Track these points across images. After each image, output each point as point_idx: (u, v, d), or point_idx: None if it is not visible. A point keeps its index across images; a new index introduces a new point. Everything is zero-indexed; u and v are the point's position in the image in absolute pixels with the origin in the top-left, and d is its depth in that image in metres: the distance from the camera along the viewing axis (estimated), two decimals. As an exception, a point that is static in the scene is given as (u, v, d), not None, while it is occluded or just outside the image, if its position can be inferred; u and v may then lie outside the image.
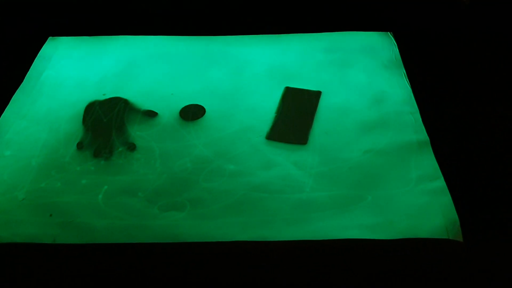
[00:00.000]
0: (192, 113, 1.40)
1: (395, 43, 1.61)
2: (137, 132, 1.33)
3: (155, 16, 1.78)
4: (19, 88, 1.48)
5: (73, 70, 1.56)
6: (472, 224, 1.06)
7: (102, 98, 1.44)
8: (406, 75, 1.49)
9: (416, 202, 1.12)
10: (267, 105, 1.42)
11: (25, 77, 1.52)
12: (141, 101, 1.43)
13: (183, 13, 1.79)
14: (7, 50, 1.66)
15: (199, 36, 1.67)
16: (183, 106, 1.42)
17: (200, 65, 1.57)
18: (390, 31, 1.66)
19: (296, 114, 1.38)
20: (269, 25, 1.71)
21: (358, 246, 1.04)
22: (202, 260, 1.04)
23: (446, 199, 1.12)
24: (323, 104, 1.41)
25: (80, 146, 1.29)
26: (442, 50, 1.59)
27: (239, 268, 1.03)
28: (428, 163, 1.21)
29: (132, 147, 1.29)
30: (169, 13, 1.79)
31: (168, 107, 1.41)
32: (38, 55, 1.61)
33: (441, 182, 1.16)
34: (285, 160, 1.24)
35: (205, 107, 1.42)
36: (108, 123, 1.36)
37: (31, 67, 1.56)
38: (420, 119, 1.34)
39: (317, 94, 1.44)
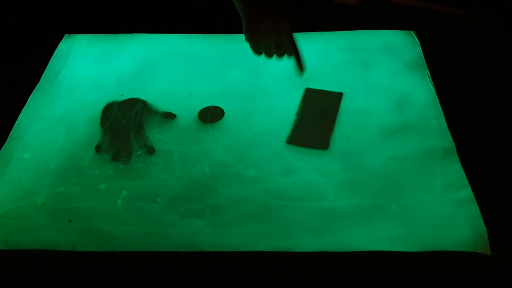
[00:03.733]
0: (211, 115, 1.37)
1: (419, 43, 1.56)
2: (156, 135, 1.31)
3: (171, 13, 1.76)
4: (36, 87, 1.47)
5: (90, 69, 1.54)
6: (501, 236, 1.03)
7: (120, 99, 1.42)
8: (430, 76, 1.44)
9: (442, 213, 1.09)
10: (287, 107, 1.39)
11: (42, 76, 1.51)
12: (159, 102, 1.41)
13: (199, 11, 1.75)
14: (22, 48, 1.65)
15: (216, 35, 1.64)
16: (201, 107, 1.40)
17: (218, 65, 1.54)
18: (412, 30, 1.62)
19: (317, 117, 1.35)
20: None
21: (382, 259, 1.02)
22: (222, 270, 1.03)
23: (473, 209, 1.09)
24: (345, 106, 1.38)
25: (98, 149, 1.28)
26: (468, 50, 1.54)
27: (259, 280, 1.01)
28: (454, 170, 1.18)
29: (151, 150, 1.27)
30: (185, 11, 1.76)
31: (186, 108, 1.39)
32: (54, 53, 1.60)
33: (468, 192, 1.12)
34: (306, 166, 1.22)
35: (223, 108, 1.39)
36: (126, 125, 1.34)
37: (47, 66, 1.55)
38: (445, 124, 1.30)
39: (339, 95, 1.41)
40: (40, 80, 1.50)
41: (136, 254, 1.05)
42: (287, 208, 1.12)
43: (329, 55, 1.55)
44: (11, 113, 1.38)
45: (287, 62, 1.52)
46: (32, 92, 1.45)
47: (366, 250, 1.03)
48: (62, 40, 1.65)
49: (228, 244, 1.06)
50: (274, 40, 1.28)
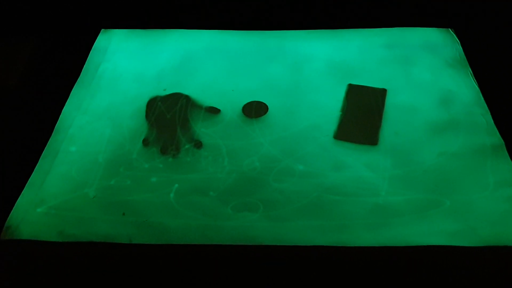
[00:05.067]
0: (255, 110, 1.37)
1: (458, 41, 1.57)
2: (202, 129, 1.31)
3: (202, 9, 1.75)
4: (77, 81, 1.47)
5: (129, 63, 1.54)
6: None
7: (163, 93, 1.42)
8: (472, 74, 1.44)
9: (497, 209, 1.10)
10: (331, 102, 1.39)
11: (82, 70, 1.51)
12: (202, 97, 1.41)
13: (234, 7, 1.75)
14: (59, 43, 1.64)
15: (254, 31, 1.64)
16: (244, 102, 1.39)
17: (258, 60, 1.54)
18: (450, 28, 1.62)
19: (362, 113, 1.35)
20: (321, 20, 1.67)
21: (440, 253, 1.02)
22: (280, 264, 1.02)
23: (529, 206, 1.09)
24: (389, 102, 1.38)
25: (146, 142, 1.28)
26: (508, 47, 1.54)
27: (318, 273, 1.01)
28: (505, 167, 1.18)
29: (198, 144, 1.27)
30: (219, 6, 1.75)
31: (229, 103, 1.39)
32: (92, 47, 1.59)
33: (521, 188, 1.13)
34: (356, 161, 1.22)
35: (267, 103, 1.39)
36: (171, 119, 1.34)
37: (87, 60, 1.55)
38: (492, 121, 1.30)
39: (383, 92, 1.41)
40: (81, 74, 1.49)
41: (193, 246, 1.05)
42: (341, 203, 1.12)
43: (368, 52, 1.55)
44: (54, 107, 1.38)
45: (327, 58, 1.54)
46: (74, 86, 1.45)
47: (424, 244, 1.03)
48: (99, 34, 1.64)
49: (285, 238, 1.06)
50: None
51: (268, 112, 1.37)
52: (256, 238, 1.06)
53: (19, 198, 1.14)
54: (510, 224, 1.06)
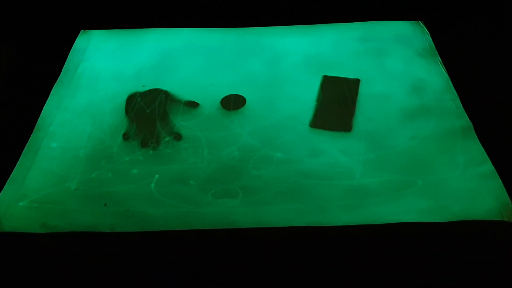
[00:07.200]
0: (233, 103, 1.41)
1: (428, 32, 1.62)
2: (181, 122, 1.34)
3: (181, 8, 1.78)
4: (57, 81, 1.49)
5: (109, 62, 1.57)
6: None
7: (142, 89, 1.45)
8: (442, 62, 1.50)
9: (467, 186, 1.14)
10: (307, 94, 1.43)
11: (62, 70, 1.53)
12: (181, 92, 1.44)
13: (212, 6, 1.79)
14: (39, 44, 1.66)
15: (231, 28, 1.68)
16: (223, 96, 1.43)
17: (236, 56, 1.58)
18: (420, 20, 1.68)
19: (337, 102, 1.39)
20: (297, 16, 1.72)
21: (414, 229, 1.06)
22: (260, 246, 1.05)
23: (497, 182, 1.14)
24: (363, 92, 1.43)
25: (126, 137, 1.30)
26: (475, 36, 1.60)
27: (298, 253, 1.04)
28: (474, 147, 1.23)
29: (178, 136, 1.30)
30: (197, 5, 1.79)
31: (208, 97, 1.42)
32: (72, 48, 1.61)
33: (489, 166, 1.18)
34: (332, 147, 1.26)
35: (245, 97, 1.43)
36: (151, 114, 1.37)
37: (66, 60, 1.57)
38: (461, 105, 1.35)
39: (356, 82, 1.45)
40: (61, 74, 1.51)
41: (174, 232, 1.07)
42: (317, 186, 1.16)
43: (342, 45, 1.59)
44: (35, 106, 1.40)
45: (303, 52, 1.58)
46: (54, 85, 1.47)
47: (398, 222, 1.07)
48: (79, 35, 1.66)
49: (264, 221, 1.09)
50: None
51: (246, 105, 1.40)
52: (236, 222, 1.09)
53: (0, 193, 1.16)
54: (479, 200, 1.10)
